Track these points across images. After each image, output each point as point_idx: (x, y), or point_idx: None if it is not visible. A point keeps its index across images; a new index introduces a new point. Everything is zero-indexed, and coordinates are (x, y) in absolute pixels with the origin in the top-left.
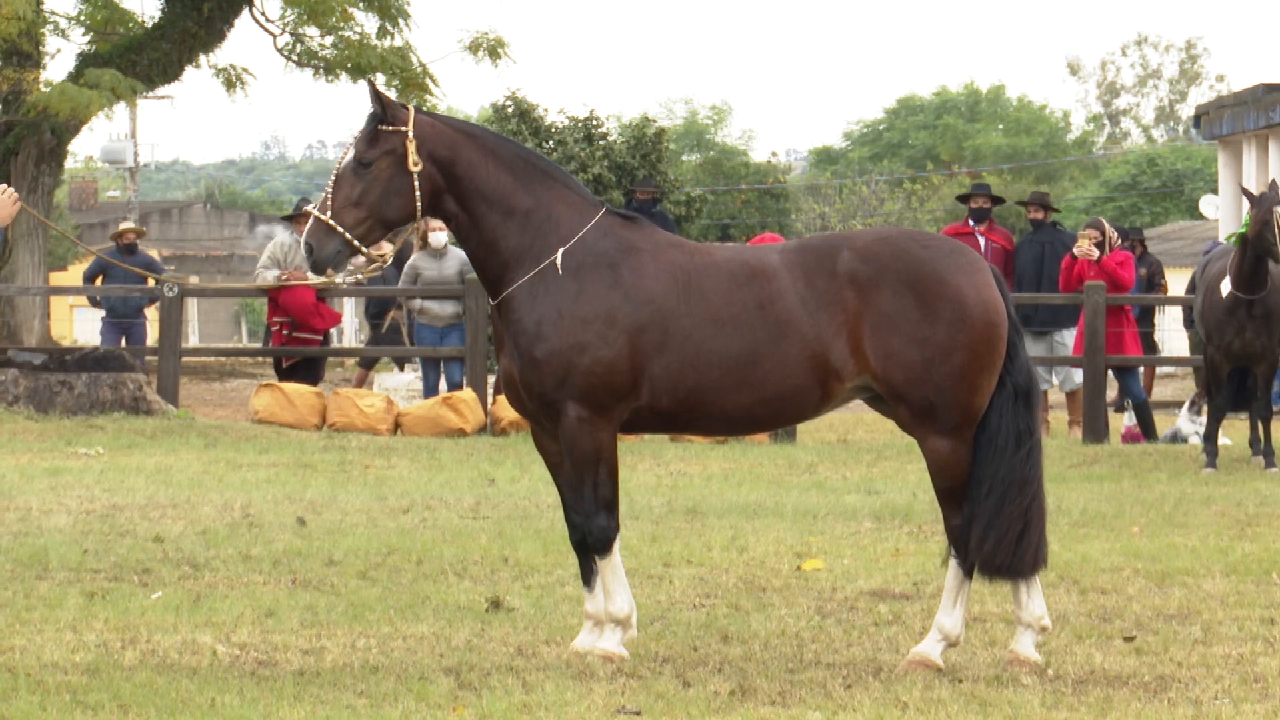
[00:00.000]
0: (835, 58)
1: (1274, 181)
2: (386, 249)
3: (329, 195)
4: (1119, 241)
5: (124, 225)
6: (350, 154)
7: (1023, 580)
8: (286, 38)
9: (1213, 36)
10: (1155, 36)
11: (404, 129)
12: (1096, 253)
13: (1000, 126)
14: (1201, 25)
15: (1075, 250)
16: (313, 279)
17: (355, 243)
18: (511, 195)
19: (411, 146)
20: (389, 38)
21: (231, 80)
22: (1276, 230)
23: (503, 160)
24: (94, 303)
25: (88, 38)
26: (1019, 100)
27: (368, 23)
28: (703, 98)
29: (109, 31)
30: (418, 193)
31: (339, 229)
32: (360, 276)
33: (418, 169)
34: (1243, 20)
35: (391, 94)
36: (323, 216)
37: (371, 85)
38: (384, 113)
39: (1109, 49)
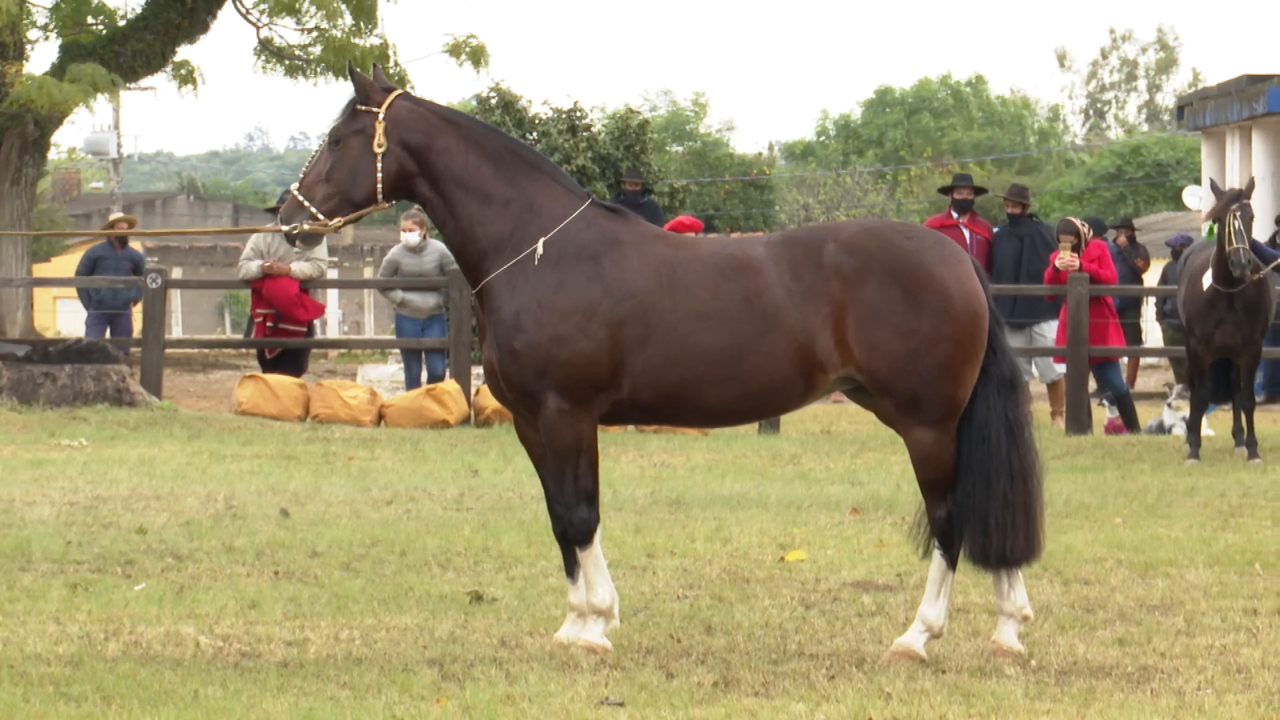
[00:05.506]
0: (811, 49)
1: (1252, 179)
2: (335, 221)
3: (305, 169)
4: (1090, 233)
5: (114, 216)
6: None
7: (1013, 569)
8: (266, 32)
9: (1185, 27)
10: (1131, 30)
11: (376, 110)
12: (1078, 262)
13: (979, 116)
14: (1174, 16)
15: (1057, 264)
16: (295, 269)
17: (320, 217)
18: (490, 184)
19: (379, 128)
20: (362, 35)
21: (185, 78)
22: (1230, 229)
23: (486, 150)
24: (86, 300)
25: (56, 34)
26: (1012, 92)
27: (344, 20)
28: (681, 90)
29: (84, 26)
30: (379, 175)
31: (306, 203)
32: (306, 226)
33: (381, 150)
34: (1216, 12)
35: None
36: (294, 191)
37: (350, 66)
38: (359, 93)
39: (1094, 43)
